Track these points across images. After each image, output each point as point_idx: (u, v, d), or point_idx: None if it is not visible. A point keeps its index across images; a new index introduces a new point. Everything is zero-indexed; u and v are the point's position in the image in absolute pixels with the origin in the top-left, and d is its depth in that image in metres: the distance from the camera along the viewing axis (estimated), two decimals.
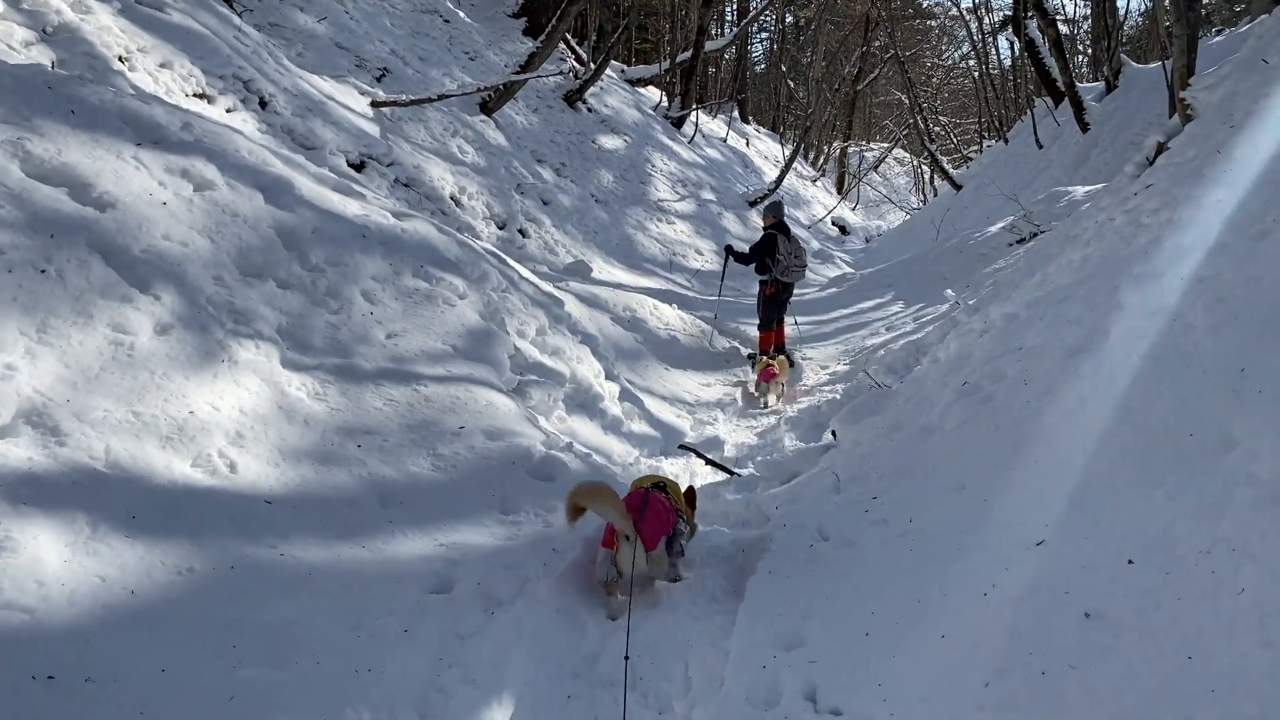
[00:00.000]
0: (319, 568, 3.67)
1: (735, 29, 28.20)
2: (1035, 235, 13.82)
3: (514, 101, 15.98)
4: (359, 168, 10.74)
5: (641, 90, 24.07)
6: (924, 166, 42.91)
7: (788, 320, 11.67)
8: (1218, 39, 20.06)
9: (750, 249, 11.44)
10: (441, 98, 12.85)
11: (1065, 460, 3.83)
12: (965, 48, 41.83)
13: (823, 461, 5.96)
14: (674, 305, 11.70)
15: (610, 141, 18.37)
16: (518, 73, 14.98)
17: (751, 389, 10.12)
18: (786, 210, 26.79)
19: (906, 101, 42.67)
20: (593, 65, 18.78)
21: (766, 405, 9.69)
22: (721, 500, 5.94)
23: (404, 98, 12.49)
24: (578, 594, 3.97)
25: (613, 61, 24.81)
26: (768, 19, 40.26)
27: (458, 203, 12.12)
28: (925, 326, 11.04)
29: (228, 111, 9.16)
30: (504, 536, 4.28)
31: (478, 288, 6.85)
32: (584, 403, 7.40)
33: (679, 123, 23.31)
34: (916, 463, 4.71)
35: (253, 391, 4.46)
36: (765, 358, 10.14)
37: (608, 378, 8.13)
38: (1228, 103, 7.94)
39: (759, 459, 7.13)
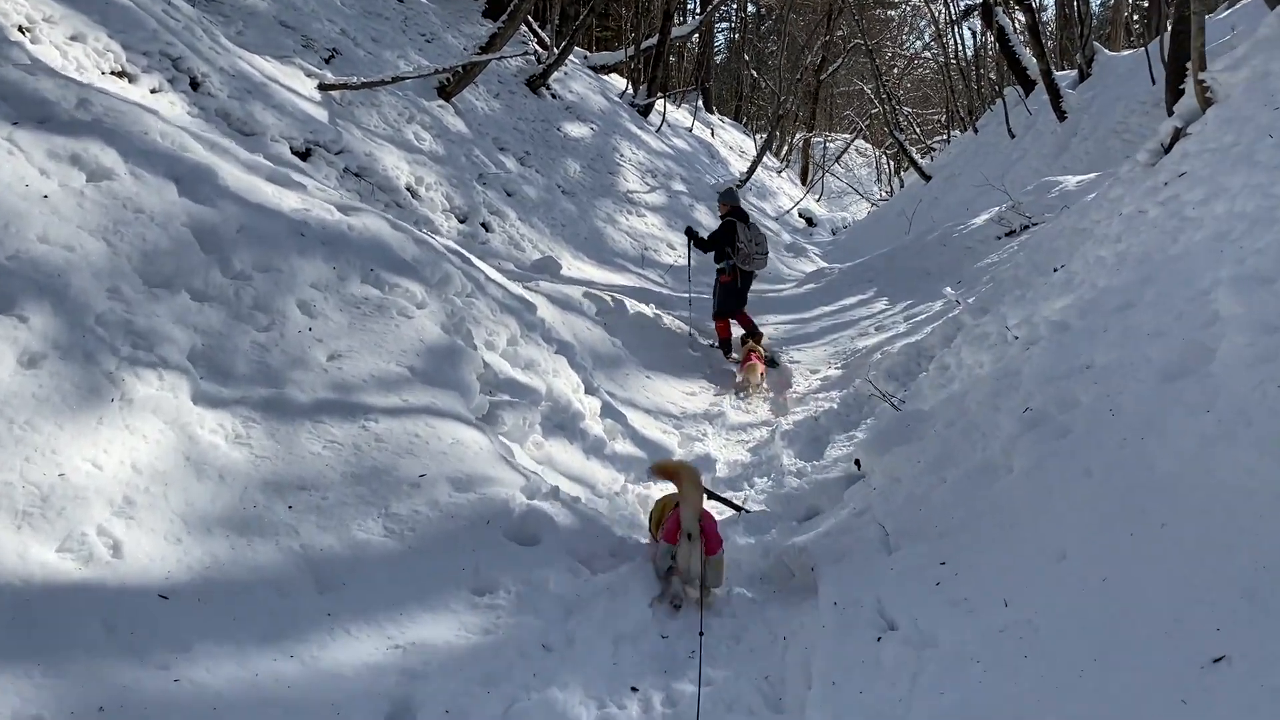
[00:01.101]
0: (229, 697, 2.65)
1: (700, 14, 27.18)
2: (1027, 227, 13.03)
3: (474, 86, 14.87)
4: (304, 155, 9.63)
5: (606, 77, 23.02)
6: (886, 158, 42.30)
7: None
8: (1217, 16, 19.41)
9: (710, 236, 10.89)
10: (396, 80, 11.72)
11: (1209, 528, 2.92)
12: (927, 37, 41.29)
13: (849, 498, 5.01)
14: (651, 305, 10.74)
15: (576, 129, 17.30)
16: (478, 55, 13.88)
17: (738, 378, 9.68)
18: (752, 200, 25.92)
19: (869, 91, 42.01)
20: (556, 49, 17.69)
21: (750, 393, 9.39)
22: (731, 544, 4.98)
23: (355, 80, 11.36)
24: (582, 707, 2.99)
25: (575, 48, 23.72)
26: (729, 8, 39.33)
27: (414, 194, 11.03)
28: (921, 326, 10.18)
29: (152, 92, 8.02)
30: (479, 629, 3.29)
31: (439, 293, 5.83)
32: (562, 423, 6.42)
33: (646, 110, 22.27)
34: (986, 515, 3.79)
35: (151, 439, 3.42)
36: (745, 346, 9.83)
37: (587, 392, 7.15)
38: (1259, 84, 7.10)
39: (764, 488, 6.19)
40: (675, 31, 23.91)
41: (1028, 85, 23.80)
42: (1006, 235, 13.25)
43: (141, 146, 4.70)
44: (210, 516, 3.29)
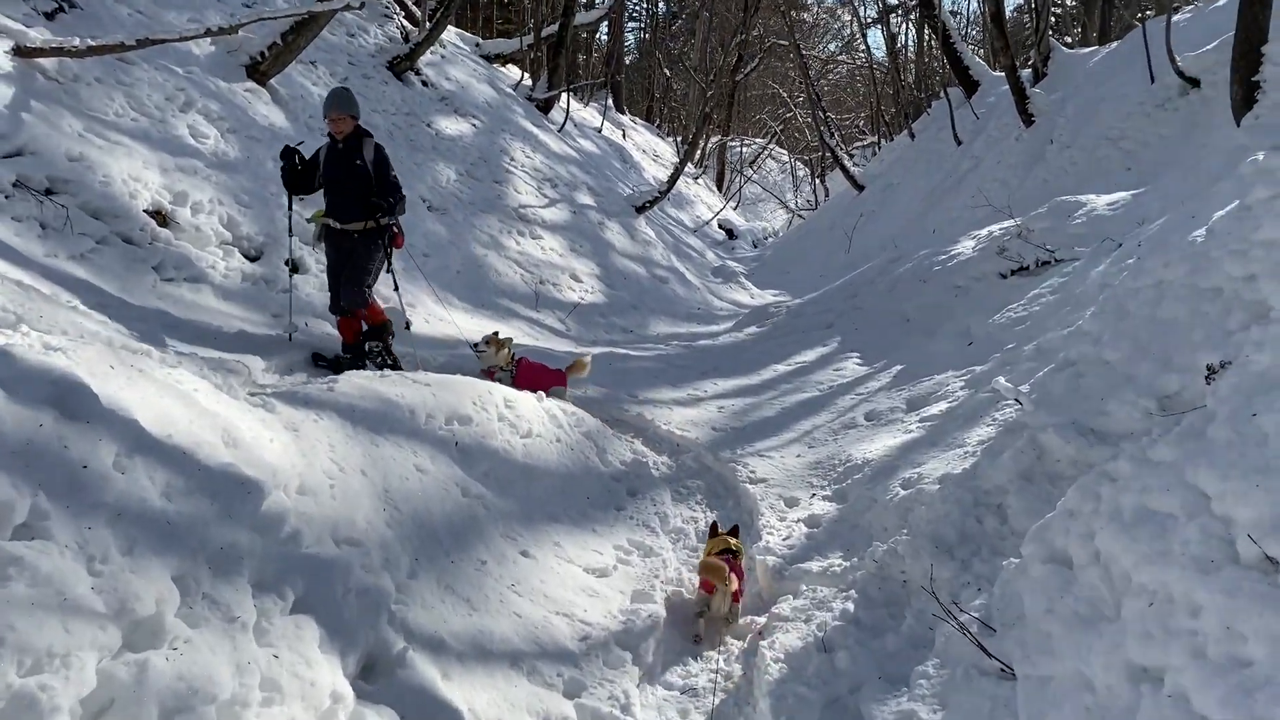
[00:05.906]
0: None
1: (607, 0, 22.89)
2: (1047, 263, 9.30)
3: (308, 66, 10.52)
4: None
5: (500, 68, 18.71)
6: (803, 163, 38.80)
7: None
8: (1209, 7, 16.05)
9: (376, 168, 6.47)
10: (145, 44, 7.32)
11: None
12: (845, 36, 38.05)
13: None
14: (539, 394, 6.60)
15: (453, 125, 12.99)
16: (297, 11, 9.50)
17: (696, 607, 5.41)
18: (669, 211, 21.85)
19: (783, 94, 38.39)
20: (429, 23, 13.34)
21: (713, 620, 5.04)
22: None
23: (78, 43, 6.97)
24: None
25: (466, 34, 19.34)
26: (637, 5, 35.25)
27: (165, 220, 6.68)
28: (946, 430, 6.30)
29: None
30: None
31: None
32: None
33: (546, 106, 17.96)
34: None
35: None
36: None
37: (366, 685, 3.03)
38: None
39: None
40: (581, 18, 19.76)
41: (970, 87, 20.38)
42: (1015, 273, 9.54)
43: None
44: None
